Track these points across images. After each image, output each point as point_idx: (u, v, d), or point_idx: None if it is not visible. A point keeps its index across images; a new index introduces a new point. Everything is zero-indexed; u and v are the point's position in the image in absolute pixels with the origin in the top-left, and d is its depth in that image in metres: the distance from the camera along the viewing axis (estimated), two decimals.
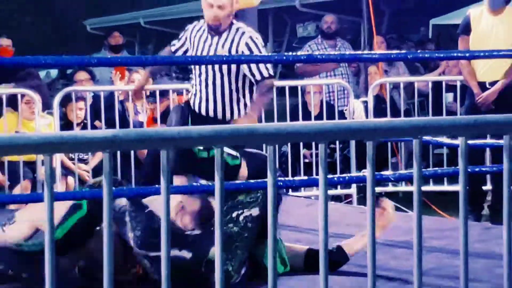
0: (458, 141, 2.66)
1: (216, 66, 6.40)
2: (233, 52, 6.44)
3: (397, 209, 8.99)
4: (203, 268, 4.70)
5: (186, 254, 4.70)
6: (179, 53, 6.91)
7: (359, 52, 12.93)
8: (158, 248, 2.55)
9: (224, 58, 6.31)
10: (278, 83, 11.11)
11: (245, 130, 2.84)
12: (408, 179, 8.24)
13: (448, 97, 10.83)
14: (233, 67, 6.41)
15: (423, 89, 11.25)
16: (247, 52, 6.43)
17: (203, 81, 6.63)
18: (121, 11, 31.11)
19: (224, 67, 6.41)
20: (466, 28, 8.98)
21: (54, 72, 16.33)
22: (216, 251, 2.50)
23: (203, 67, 6.54)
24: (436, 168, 9.53)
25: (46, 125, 9.22)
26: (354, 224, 6.63)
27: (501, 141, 2.72)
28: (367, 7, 12.65)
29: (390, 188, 9.96)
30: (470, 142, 2.71)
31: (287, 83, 10.93)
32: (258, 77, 6.41)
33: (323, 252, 2.57)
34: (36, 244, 4.62)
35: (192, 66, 6.66)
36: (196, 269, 4.72)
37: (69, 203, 4.67)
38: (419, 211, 2.65)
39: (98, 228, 4.67)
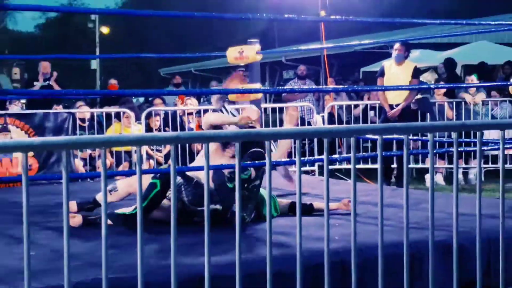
0: (378, 137, 2.67)
1: None
2: None
3: (341, 178, 9.00)
4: (228, 215, 4.72)
5: (218, 207, 4.72)
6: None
7: (320, 87, 12.90)
8: (202, 204, 2.57)
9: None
10: (272, 105, 11.10)
11: (255, 132, 2.84)
12: (348, 160, 8.24)
13: (371, 113, 10.79)
14: None
15: (356, 110, 11.25)
16: None
17: None
18: (181, 63, 31.16)
19: None
20: (381, 73, 8.97)
21: (141, 99, 16.31)
22: (236, 206, 2.51)
23: None
24: (364, 153, 9.54)
25: (137, 130, 9.21)
26: (316, 187, 6.63)
27: (402, 136, 2.73)
28: (323, 61, 12.60)
29: (337, 166, 9.91)
30: (385, 136, 2.71)
31: (277, 105, 10.92)
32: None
33: (298, 203, 2.58)
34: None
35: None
36: (224, 216, 4.73)
37: (149, 179, 4.69)
38: (354, 180, 2.65)
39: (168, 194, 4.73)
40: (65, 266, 2.18)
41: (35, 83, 10.24)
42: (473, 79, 10.26)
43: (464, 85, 10.10)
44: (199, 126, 10.00)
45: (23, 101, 10.89)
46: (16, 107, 9.99)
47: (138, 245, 2.30)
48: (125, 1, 55.44)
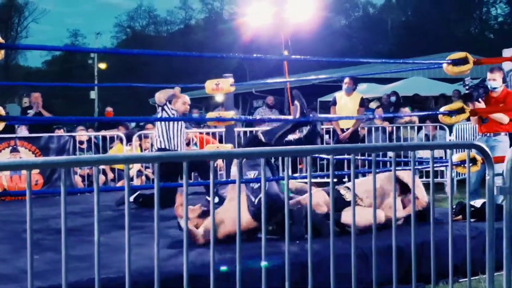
0: (329, 157, 2.67)
1: None
2: None
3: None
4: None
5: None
6: None
7: (284, 116, 12.98)
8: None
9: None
10: (244, 129, 11.06)
11: (227, 152, 2.83)
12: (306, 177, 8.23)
13: (326, 136, 10.81)
14: None
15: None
16: None
17: None
18: None
19: None
20: (334, 102, 9.01)
21: (133, 124, 16.12)
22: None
23: None
24: (322, 173, 9.54)
25: (128, 151, 9.10)
26: None
27: (350, 157, 2.74)
28: (286, 92, 12.70)
29: (299, 180, 9.86)
30: (336, 157, 2.71)
31: (248, 129, 10.89)
32: None
33: (264, 213, 2.56)
34: None
35: None
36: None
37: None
38: (310, 192, 2.64)
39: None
40: (63, 267, 2.14)
41: (28, 111, 10.13)
42: (407, 110, 10.54)
43: (402, 115, 10.21)
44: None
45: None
46: (25, 131, 9.85)
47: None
48: (120, 41, 55.35)
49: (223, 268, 2.92)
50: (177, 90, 6.65)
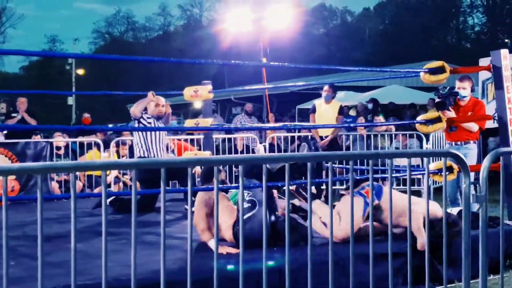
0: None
1: None
2: None
3: (279, 197, 8.95)
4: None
5: None
6: None
7: (264, 125, 12.98)
8: None
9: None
10: (222, 136, 11.07)
11: (205, 159, 2.82)
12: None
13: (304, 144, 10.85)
14: None
15: (292, 146, 11.29)
16: None
17: None
18: None
19: None
20: (313, 110, 9.03)
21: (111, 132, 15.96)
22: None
23: None
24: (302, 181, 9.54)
25: (105, 157, 9.03)
26: None
27: (328, 164, 2.75)
28: (265, 99, 12.71)
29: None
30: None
31: (227, 136, 10.88)
32: None
33: (241, 221, 2.56)
34: None
35: None
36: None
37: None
38: (288, 198, 2.65)
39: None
40: (39, 274, 2.12)
41: (13, 114, 10.06)
42: (380, 118, 10.66)
43: (378, 124, 10.28)
44: None
45: (5, 131, 10.63)
46: (1, 137, 9.72)
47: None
48: (98, 47, 55.06)
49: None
50: (150, 94, 6.63)
